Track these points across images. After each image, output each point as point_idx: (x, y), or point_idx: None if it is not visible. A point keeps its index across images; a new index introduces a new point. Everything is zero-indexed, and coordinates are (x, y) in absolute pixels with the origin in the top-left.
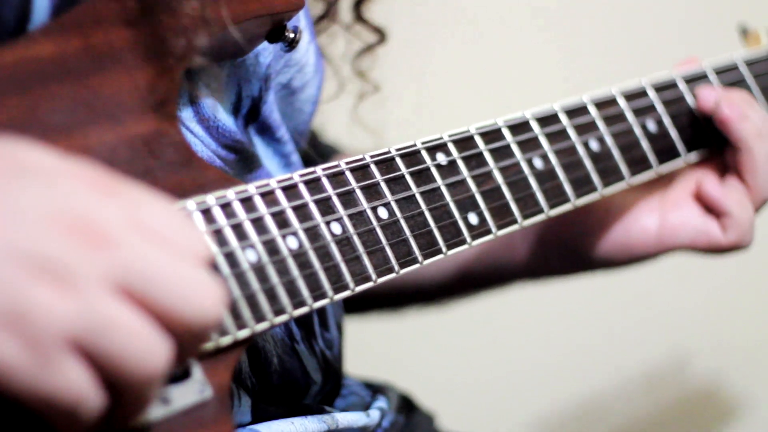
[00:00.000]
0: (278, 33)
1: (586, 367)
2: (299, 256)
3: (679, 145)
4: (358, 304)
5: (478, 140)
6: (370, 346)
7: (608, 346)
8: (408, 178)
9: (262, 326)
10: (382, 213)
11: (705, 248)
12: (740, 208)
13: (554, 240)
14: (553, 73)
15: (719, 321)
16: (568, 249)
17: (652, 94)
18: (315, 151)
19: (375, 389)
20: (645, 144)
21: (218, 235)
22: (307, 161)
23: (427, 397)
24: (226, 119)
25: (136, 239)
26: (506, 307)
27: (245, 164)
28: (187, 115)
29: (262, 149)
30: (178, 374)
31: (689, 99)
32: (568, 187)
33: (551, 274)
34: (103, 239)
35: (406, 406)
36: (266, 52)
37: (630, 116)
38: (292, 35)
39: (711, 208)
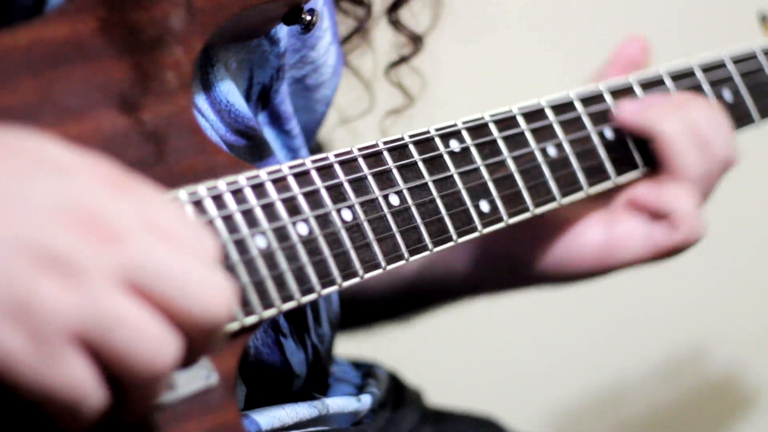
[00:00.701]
0: (295, 15)
1: (603, 356)
2: (309, 242)
3: None
4: None
5: (492, 127)
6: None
7: (624, 336)
8: (420, 165)
9: (270, 313)
10: (394, 200)
11: (654, 255)
12: (679, 202)
13: (495, 254)
14: (566, 65)
15: (737, 310)
16: (509, 263)
17: (669, 83)
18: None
19: (364, 371)
20: None
21: (228, 221)
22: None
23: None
24: (240, 103)
25: (147, 237)
26: (521, 296)
27: (256, 151)
28: (199, 97)
29: (270, 141)
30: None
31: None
32: (581, 176)
33: (494, 289)
34: (114, 235)
35: (394, 387)
36: (281, 42)
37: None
38: (308, 17)
39: (652, 213)
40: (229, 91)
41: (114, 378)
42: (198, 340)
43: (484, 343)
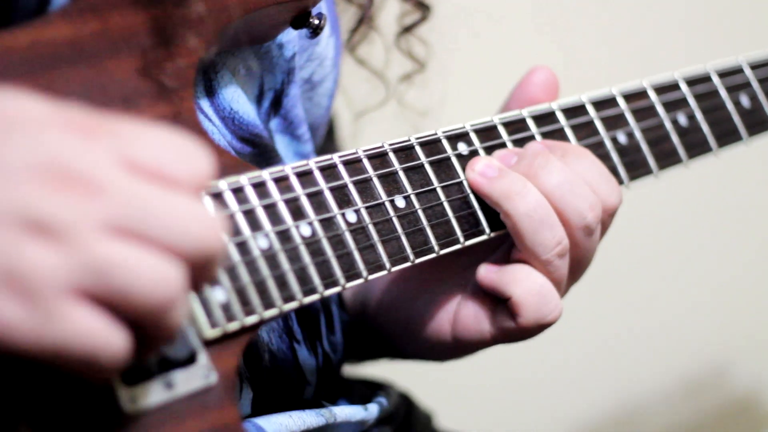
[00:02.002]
0: (303, 20)
1: (621, 375)
2: (312, 243)
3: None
4: None
5: (501, 130)
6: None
7: (644, 354)
8: (427, 167)
9: (271, 313)
10: (399, 202)
11: (504, 339)
12: (519, 286)
13: (378, 322)
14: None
15: (759, 327)
16: (381, 333)
17: (684, 88)
18: (328, 146)
19: (375, 387)
20: (675, 138)
21: (229, 221)
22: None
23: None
24: (247, 110)
25: (125, 180)
26: None
27: (262, 158)
28: (204, 103)
29: (282, 148)
30: (183, 359)
31: (723, 93)
32: None
33: (376, 355)
34: (92, 186)
35: (405, 403)
36: (290, 44)
37: (661, 110)
38: (316, 22)
39: (496, 295)
40: (234, 98)
41: (128, 318)
42: (197, 267)
43: (498, 364)
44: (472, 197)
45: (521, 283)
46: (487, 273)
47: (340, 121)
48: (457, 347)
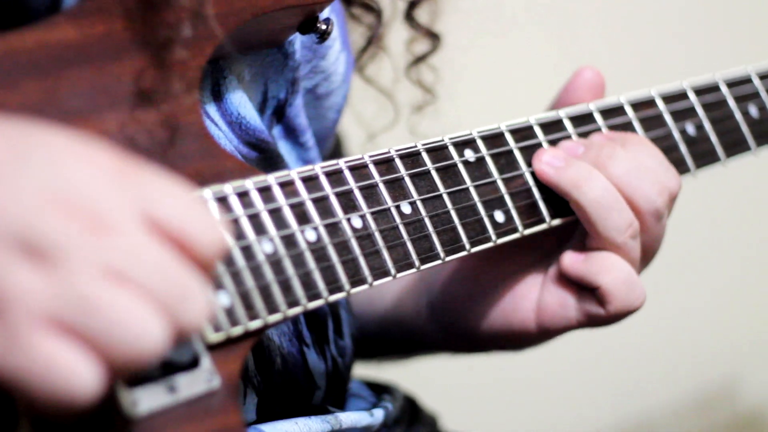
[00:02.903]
0: (310, 24)
1: (635, 385)
2: (317, 248)
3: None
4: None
5: (508, 137)
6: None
7: (656, 365)
8: (434, 173)
9: (275, 318)
10: (405, 208)
11: (590, 325)
12: (607, 275)
13: (447, 315)
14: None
15: None
16: (449, 324)
17: (692, 98)
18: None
19: (379, 390)
20: (683, 148)
21: (234, 226)
22: None
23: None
24: (253, 116)
25: (140, 234)
26: None
27: (268, 163)
28: (210, 108)
29: (285, 154)
30: (187, 363)
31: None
32: None
33: (444, 349)
34: (102, 225)
35: (410, 407)
36: (295, 54)
37: (669, 119)
38: (323, 27)
39: (582, 285)
40: (241, 103)
41: (101, 357)
42: (181, 336)
43: (506, 372)
44: (479, 204)
45: (609, 272)
46: (573, 263)
47: (350, 141)
48: (540, 335)
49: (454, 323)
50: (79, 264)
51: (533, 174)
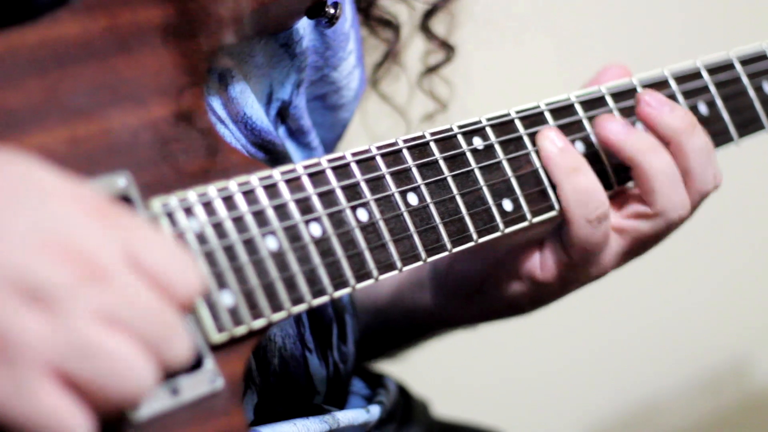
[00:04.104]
0: (318, 8)
1: (644, 368)
2: (322, 243)
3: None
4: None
5: (518, 124)
6: None
7: (664, 347)
8: (441, 163)
9: (279, 316)
10: (412, 199)
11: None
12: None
13: (456, 281)
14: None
15: None
16: (471, 290)
17: (705, 76)
18: None
19: (373, 382)
20: None
21: (238, 222)
22: None
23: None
24: (260, 116)
25: (129, 276)
26: (558, 308)
27: (275, 164)
28: (217, 105)
29: (292, 152)
30: (190, 364)
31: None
32: (611, 171)
33: (462, 322)
34: (96, 272)
35: (402, 397)
36: (302, 56)
37: (681, 99)
38: (332, 11)
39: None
40: (248, 103)
41: (96, 404)
42: (166, 370)
43: (508, 355)
44: (486, 193)
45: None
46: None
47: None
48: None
49: (465, 292)
50: (76, 309)
51: (541, 160)
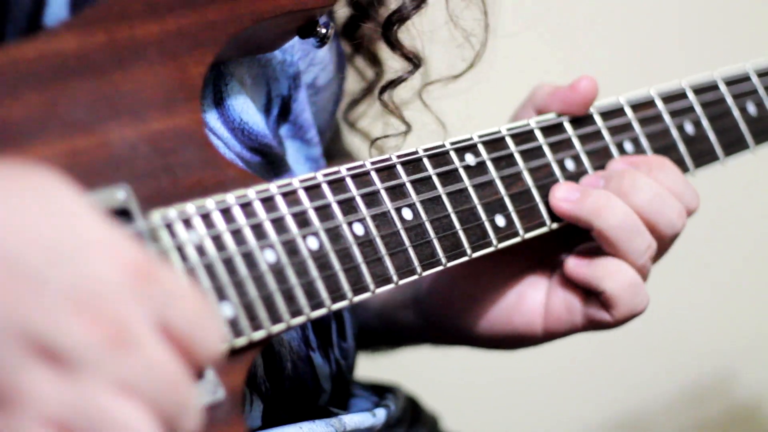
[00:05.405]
0: (310, 28)
1: (630, 378)
2: (319, 257)
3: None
4: None
5: (509, 141)
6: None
7: (651, 358)
8: (435, 179)
9: (278, 327)
10: (407, 214)
11: (594, 329)
12: (612, 280)
13: (432, 310)
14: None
15: (765, 332)
16: (445, 321)
17: (691, 96)
18: (333, 147)
19: (382, 391)
20: (681, 147)
21: (237, 235)
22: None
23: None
24: (256, 121)
25: (157, 346)
26: None
27: (271, 167)
28: (211, 116)
29: (293, 153)
30: None
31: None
32: None
33: (436, 342)
34: (124, 339)
35: (412, 407)
36: (293, 49)
37: (667, 118)
38: (324, 30)
39: (587, 289)
40: (243, 109)
41: None
42: None
43: (504, 369)
44: (479, 209)
45: (614, 277)
46: (577, 267)
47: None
48: (544, 337)
49: (444, 320)
50: (95, 376)
51: (533, 176)
